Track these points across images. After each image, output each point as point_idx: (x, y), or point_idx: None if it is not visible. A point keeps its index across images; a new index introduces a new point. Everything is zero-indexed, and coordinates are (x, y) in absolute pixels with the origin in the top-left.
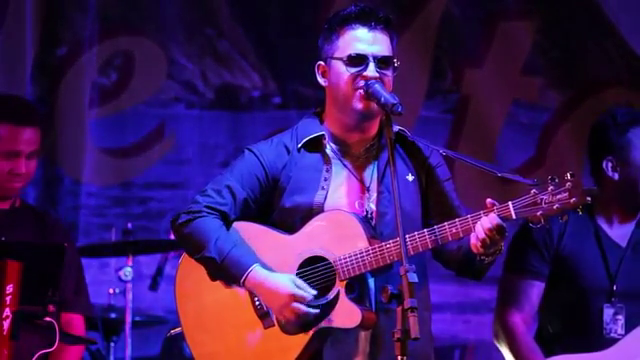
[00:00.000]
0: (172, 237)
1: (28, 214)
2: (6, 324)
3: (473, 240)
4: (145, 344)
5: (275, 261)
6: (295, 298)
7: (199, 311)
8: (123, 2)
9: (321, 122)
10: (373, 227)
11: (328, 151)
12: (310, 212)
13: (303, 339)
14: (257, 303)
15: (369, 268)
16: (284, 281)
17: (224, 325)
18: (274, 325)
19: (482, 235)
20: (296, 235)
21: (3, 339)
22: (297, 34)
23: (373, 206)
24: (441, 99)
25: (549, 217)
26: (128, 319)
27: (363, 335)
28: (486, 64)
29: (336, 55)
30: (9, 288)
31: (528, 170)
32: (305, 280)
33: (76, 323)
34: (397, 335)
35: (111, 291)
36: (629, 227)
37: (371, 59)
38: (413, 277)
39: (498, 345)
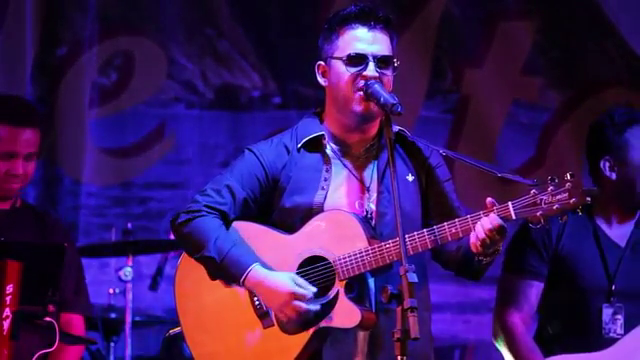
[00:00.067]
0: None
1: (28, 214)
2: (6, 324)
3: (473, 239)
4: (145, 344)
5: (275, 261)
6: (295, 296)
7: (199, 311)
8: (123, 2)
9: (321, 122)
10: (373, 227)
11: (328, 151)
12: (310, 212)
13: (302, 339)
14: (257, 303)
15: (369, 268)
16: (284, 279)
17: (224, 325)
18: (273, 325)
19: (482, 235)
20: (296, 235)
21: (3, 339)
22: (297, 34)
23: (373, 206)
24: (441, 99)
25: (549, 217)
26: (128, 319)
27: (362, 335)
28: (486, 64)
29: (336, 55)
30: (9, 288)
31: (528, 170)
32: (305, 280)
33: (76, 323)
34: (397, 335)
35: (111, 291)
36: (628, 227)
37: (371, 59)
38: (413, 277)
39: (497, 345)
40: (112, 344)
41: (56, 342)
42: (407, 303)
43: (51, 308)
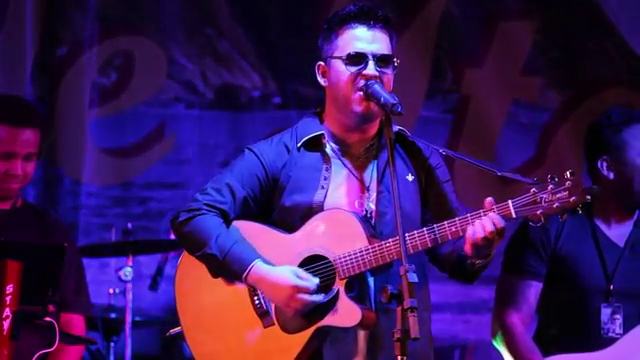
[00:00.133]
0: (172, 237)
1: (29, 214)
2: (6, 324)
3: (469, 238)
4: (145, 344)
5: (275, 260)
6: (298, 289)
7: (199, 311)
8: (123, 2)
9: (321, 122)
10: (373, 226)
11: (328, 150)
12: (310, 211)
13: (303, 338)
14: (257, 302)
15: (369, 267)
16: (286, 273)
17: (224, 325)
18: (274, 324)
19: (481, 234)
20: (296, 234)
21: (3, 339)
22: (297, 34)
23: (373, 206)
24: (441, 99)
25: (549, 216)
26: (128, 319)
27: (363, 335)
28: (486, 64)
29: (336, 54)
30: (9, 288)
31: (528, 170)
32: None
33: (76, 323)
34: (397, 335)
35: (111, 291)
36: (627, 227)
37: (370, 57)
38: (413, 277)
39: (496, 345)
40: (112, 344)
41: (56, 342)
42: (407, 303)
43: (51, 308)
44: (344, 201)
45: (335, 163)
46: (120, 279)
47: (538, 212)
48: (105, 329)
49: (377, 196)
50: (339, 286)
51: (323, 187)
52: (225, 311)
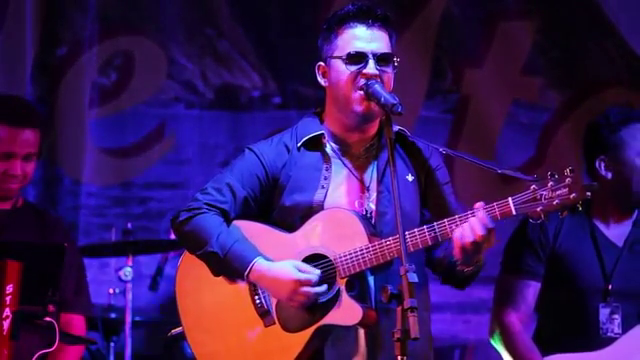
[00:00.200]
0: (172, 237)
1: (29, 214)
2: (6, 324)
3: (456, 242)
4: (145, 344)
5: (276, 259)
6: (301, 283)
7: (199, 310)
8: (123, 2)
9: (321, 122)
10: (373, 225)
11: (328, 150)
12: (310, 210)
13: (304, 337)
14: (257, 301)
15: (369, 265)
16: (286, 268)
17: (224, 324)
18: (275, 323)
19: (470, 239)
20: (296, 233)
21: (3, 339)
22: (297, 34)
23: (373, 206)
24: (441, 99)
25: (549, 213)
26: (128, 319)
27: (363, 334)
28: (486, 64)
29: (335, 54)
30: (9, 288)
31: (528, 170)
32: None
33: (76, 323)
34: (397, 335)
35: (111, 291)
36: (626, 226)
37: (370, 56)
38: (413, 277)
39: (494, 345)
40: (112, 344)
41: (56, 342)
42: (407, 303)
43: (51, 308)
44: (344, 201)
45: (335, 163)
46: (120, 279)
47: (538, 209)
48: (105, 329)
49: (377, 196)
50: (340, 285)
51: (323, 187)
52: (226, 311)
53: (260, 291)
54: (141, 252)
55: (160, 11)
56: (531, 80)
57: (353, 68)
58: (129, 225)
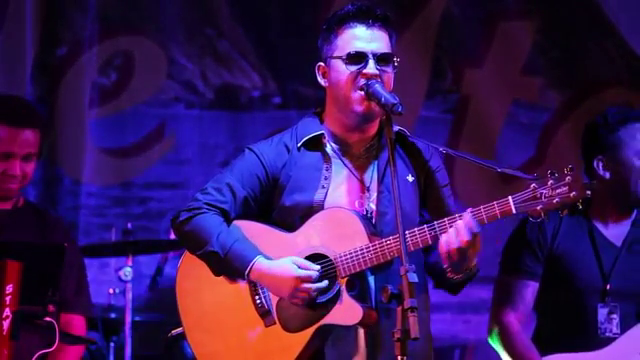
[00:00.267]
0: (172, 237)
1: (30, 214)
2: (6, 324)
3: (442, 249)
4: (145, 344)
5: (276, 259)
6: (301, 279)
7: (200, 310)
8: (123, 2)
9: (321, 122)
10: (373, 225)
11: (328, 150)
12: (310, 210)
13: (304, 337)
14: (258, 301)
15: (369, 265)
16: (286, 266)
17: (225, 324)
18: (275, 323)
19: (455, 245)
20: (296, 233)
21: (3, 339)
22: (297, 34)
23: (373, 206)
24: (441, 99)
25: (549, 211)
26: (128, 319)
27: (363, 334)
28: (486, 64)
29: (335, 54)
30: (9, 288)
31: (528, 170)
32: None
33: (76, 323)
34: (397, 335)
35: (111, 291)
36: (625, 226)
37: (370, 56)
38: (413, 277)
39: (493, 344)
40: (112, 344)
41: (56, 342)
42: (407, 303)
43: (51, 308)
44: (344, 201)
45: (335, 163)
46: (120, 279)
47: (538, 208)
48: (105, 329)
49: (377, 196)
50: (340, 284)
51: (323, 187)
52: (226, 311)
53: (260, 291)
54: (141, 252)
55: (160, 11)
56: (531, 80)
57: (353, 68)
58: (129, 225)
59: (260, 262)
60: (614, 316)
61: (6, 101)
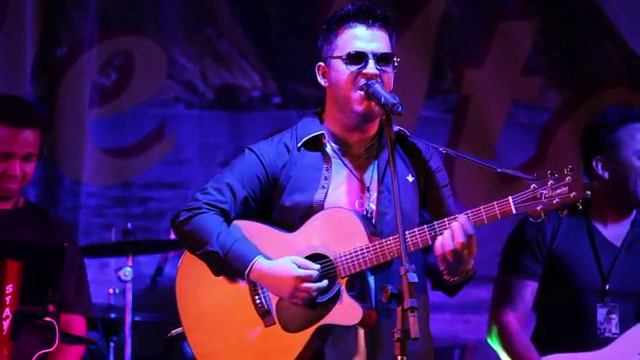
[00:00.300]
0: (172, 237)
1: (30, 214)
2: (6, 324)
3: (438, 251)
4: (145, 344)
5: (276, 259)
6: (301, 279)
7: (200, 310)
8: (123, 2)
9: (321, 122)
10: (373, 225)
11: (328, 150)
12: (310, 210)
13: (304, 337)
14: (258, 301)
15: (369, 265)
16: (286, 265)
17: (225, 324)
18: (275, 323)
19: (450, 247)
20: (296, 233)
21: (3, 339)
22: (297, 34)
23: (373, 206)
24: (441, 99)
25: (549, 212)
26: (128, 319)
27: (363, 334)
28: (486, 64)
29: (335, 54)
30: (9, 288)
31: (528, 170)
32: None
33: (77, 323)
34: (397, 335)
35: (111, 291)
36: (624, 226)
37: (370, 56)
38: (413, 277)
39: (492, 344)
40: (112, 344)
41: (56, 342)
42: (407, 303)
43: (51, 308)
44: (344, 201)
45: (335, 163)
46: (120, 279)
47: (538, 208)
48: (105, 329)
49: (378, 196)
50: (340, 285)
51: (323, 187)
52: (226, 311)
53: (260, 291)
54: (141, 252)
55: (160, 11)
56: (531, 80)
57: (353, 68)
58: (129, 225)
59: (260, 262)
60: (613, 316)
61: (6, 101)
